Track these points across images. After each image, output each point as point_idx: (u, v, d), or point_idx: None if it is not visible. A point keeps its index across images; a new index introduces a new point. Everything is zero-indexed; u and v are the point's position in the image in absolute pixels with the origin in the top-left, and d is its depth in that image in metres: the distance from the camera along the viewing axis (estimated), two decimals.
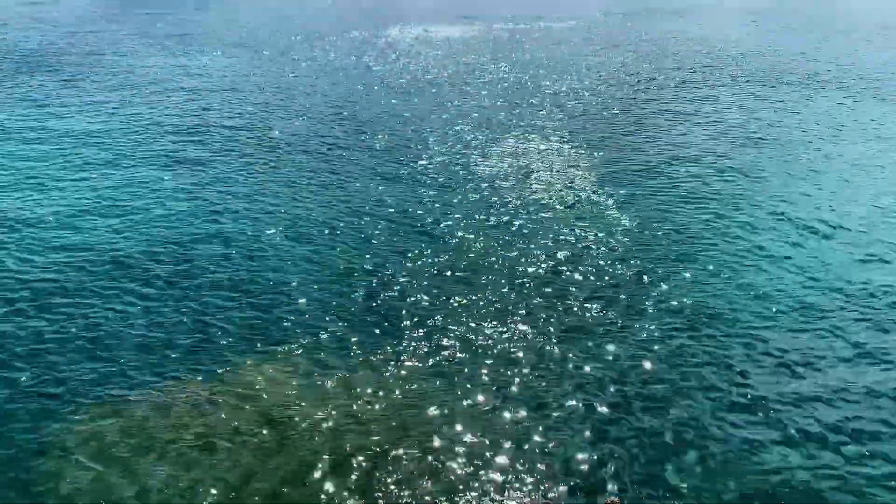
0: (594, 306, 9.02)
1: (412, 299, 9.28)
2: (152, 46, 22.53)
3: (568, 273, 9.53)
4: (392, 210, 10.83)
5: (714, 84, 20.30)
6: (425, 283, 9.60)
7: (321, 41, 23.44)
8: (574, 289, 9.38)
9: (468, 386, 8.04)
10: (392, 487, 6.84)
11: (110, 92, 16.18)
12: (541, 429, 7.50)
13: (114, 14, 27.32)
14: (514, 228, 10.86)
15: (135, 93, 16.67)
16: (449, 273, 9.55)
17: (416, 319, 8.87)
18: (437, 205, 11.30)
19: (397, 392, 7.94)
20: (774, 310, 9.18)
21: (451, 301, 9.21)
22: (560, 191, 11.65)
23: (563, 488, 6.79)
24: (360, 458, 7.12)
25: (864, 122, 17.27)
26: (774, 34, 28.56)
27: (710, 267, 10.19)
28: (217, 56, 21.27)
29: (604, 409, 7.76)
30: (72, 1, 31.50)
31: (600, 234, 10.45)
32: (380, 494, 6.80)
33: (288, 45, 23.41)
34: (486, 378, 8.22)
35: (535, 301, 9.20)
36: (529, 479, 6.93)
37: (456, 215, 10.64)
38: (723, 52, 24.65)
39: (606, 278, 9.62)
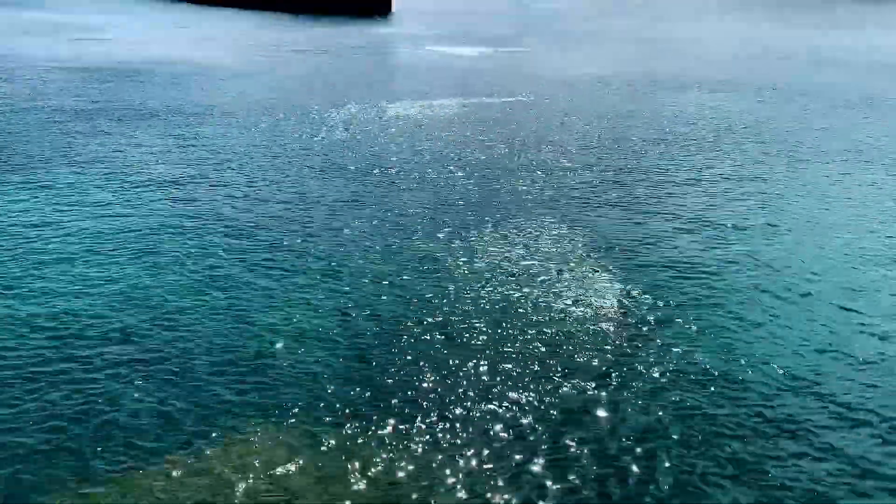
0: (589, 382, 9.01)
1: (406, 372, 9.32)
2: (122, 125, 21.63)
3: (565, 347, 9.52)
4: (383, 298, 10.81)
5: (714, 151, 20.47)
6: (420, 360, 9.61)
7: (307, 116, 23.06)
8: (571, 360, 9.37)
9: (462, 459, 8.05)
10: None
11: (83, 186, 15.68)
12: None
13: (69, 89, 27.02)
14: (507, 303, 10.87)
15: (110, 180, 15.99)
16: (444, 352, 9.53)
17: (410, 393, 8.89)
18: (429, 284, 11.30)
19: (393, 463, 7.97)
20: (778, 375, 9.18)
21: (446, 376, 9.22)
22: (558, 270, 11.70)
23: None
24: None
25: (863, 188, 17.33)
26: (769, 103, 28.81)
27: (713, 333, 10.18)
28: (192, 136, 20.44)
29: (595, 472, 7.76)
30: (17, 77, 30.92)
31: (599, 307, 10.45)
32: None
33: (273, 122, 22.82)
34: (482, 449, 8.22)
35: (530, 372, 9.20)
36: None
37: (449, 295, 10.62)
38: (714, 122, 24.81)
39: (603, 351, 9.60)
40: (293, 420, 8.42)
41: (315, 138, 21.03)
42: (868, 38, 68.03)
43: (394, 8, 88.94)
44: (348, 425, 8.35)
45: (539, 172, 17.92)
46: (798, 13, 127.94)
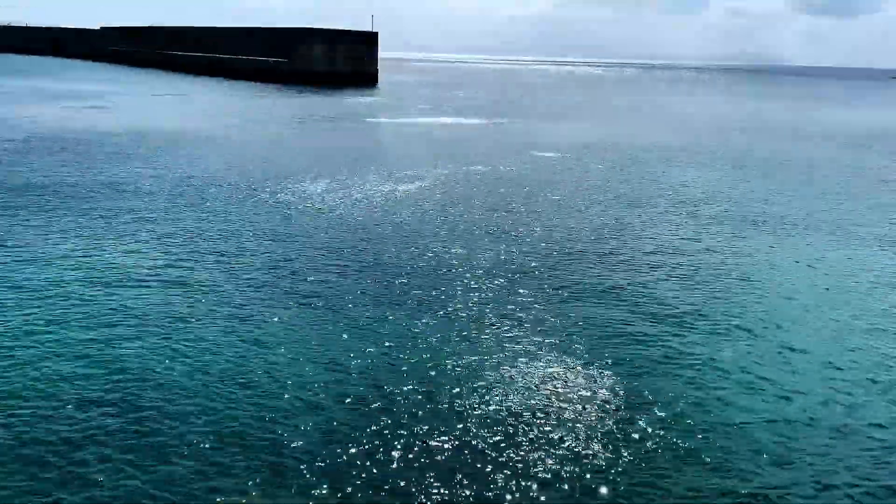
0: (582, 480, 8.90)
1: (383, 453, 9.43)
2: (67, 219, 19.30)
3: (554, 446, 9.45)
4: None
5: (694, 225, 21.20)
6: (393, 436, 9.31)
7: (277, 191, 23.05)
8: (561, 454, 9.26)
9: None
10: None
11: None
12: None
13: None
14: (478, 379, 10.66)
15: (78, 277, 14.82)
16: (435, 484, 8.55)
17: None
18: (415, 396, 10.47)
19: None
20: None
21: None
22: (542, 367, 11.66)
23: None
24: None
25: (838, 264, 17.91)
26: (746, 178, 30.09)
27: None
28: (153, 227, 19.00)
29: None
30: None
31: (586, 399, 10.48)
32: None
33: (241, 197, 22.29)
34: None
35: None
36: None
37: (434, 408, 10.01)
38: (695, 195, 25.70)
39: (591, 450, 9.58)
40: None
41: (303, 207, 21.74)
42: (814, 111, 71.22)
43: (379, 81, 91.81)
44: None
45: (513, 240, 18.74)
46: (752, 88, 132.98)
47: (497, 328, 12.80)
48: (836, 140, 45.68)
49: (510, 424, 9.61)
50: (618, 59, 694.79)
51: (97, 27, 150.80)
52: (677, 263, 17.29)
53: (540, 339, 12.37)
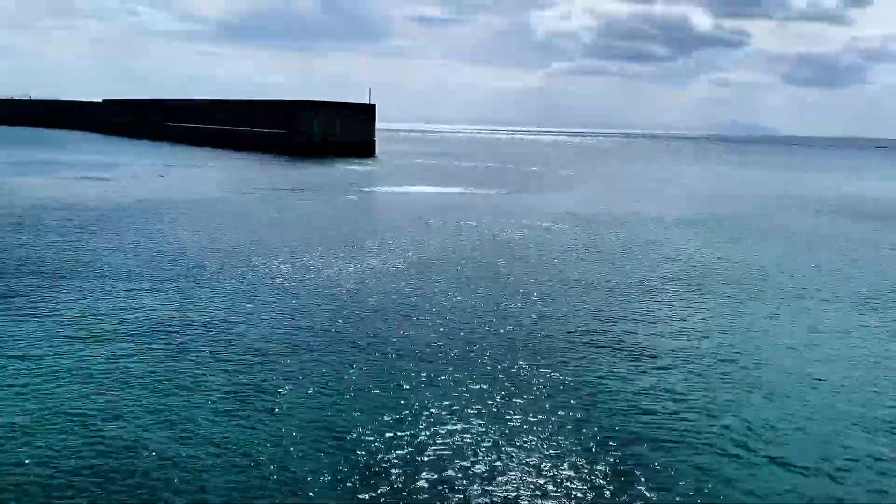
0: None
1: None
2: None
3: None
4: None
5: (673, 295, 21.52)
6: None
7: (271, 262, 22.99)
8: None
9: None
10: None
11: None
12: None
13: None
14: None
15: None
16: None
17: None
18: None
19: None
20: None
21: None
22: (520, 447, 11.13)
23: None
24: None
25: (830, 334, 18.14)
26: (722, 244, 30.59)
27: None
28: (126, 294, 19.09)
29: None
30: None
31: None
32: None
33: (235, 269, 22.05)
34: None
35: None
36: None
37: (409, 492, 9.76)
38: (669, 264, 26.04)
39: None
40: None
41: (295, 279, 21.94)
42: (804, 180, 72.62)
43: (377, 151, 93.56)
44: None
45: (504, 313, 19.00)
46: (734, 157, 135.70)
47: (490, 403, 12.83)
48: (829, 208, 46.49)
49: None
50: (609, 130, 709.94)
51: (99, 100, 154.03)
52: (676, 339, 17.46)
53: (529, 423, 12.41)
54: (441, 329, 16.71)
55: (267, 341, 15.54)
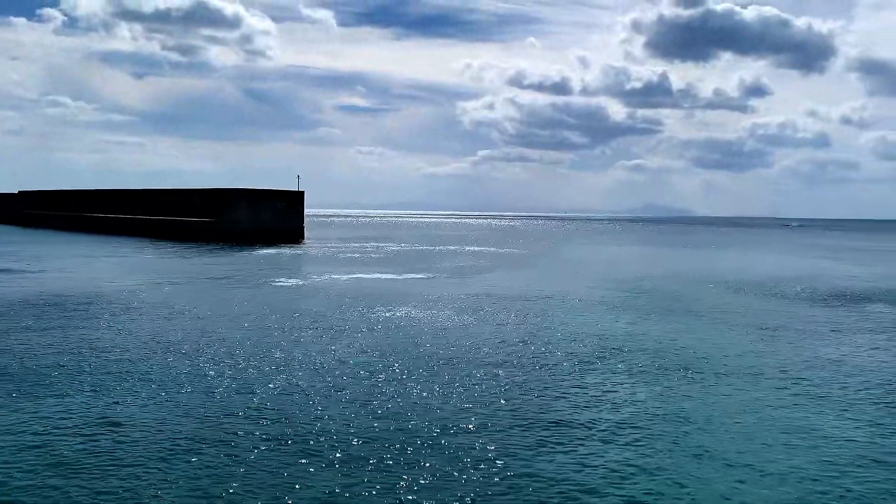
0: None
1: None
2: None
3: None
4: None
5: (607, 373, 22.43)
6: None
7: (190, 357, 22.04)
8: None
9: None
10: None
11: None
12: None
13: None
14: None
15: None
16: None
17: None
18: None
19: None
20: None
21: None
22: None
23: None
24: None
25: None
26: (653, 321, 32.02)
27: None
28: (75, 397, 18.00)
29: None
30: None
31: None
32: None
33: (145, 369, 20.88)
34: None
35: None
36: None
37: None
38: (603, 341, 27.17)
39: None
40: None
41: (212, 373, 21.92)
42: (741, 258, 76.64)
43: (305, 237, 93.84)
44: None
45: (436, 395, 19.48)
46: (678, 238, 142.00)
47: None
48: (742, 283, 49.06)
49: None
50: (534, 213, 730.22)
51: (15, 192, 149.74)
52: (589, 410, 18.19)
53: None
54: (366, 415, 17.01)
55: (185, 439, 15.52)
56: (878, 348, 25.84)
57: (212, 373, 20.24)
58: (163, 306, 32.81)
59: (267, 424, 15.78)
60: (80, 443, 14.57)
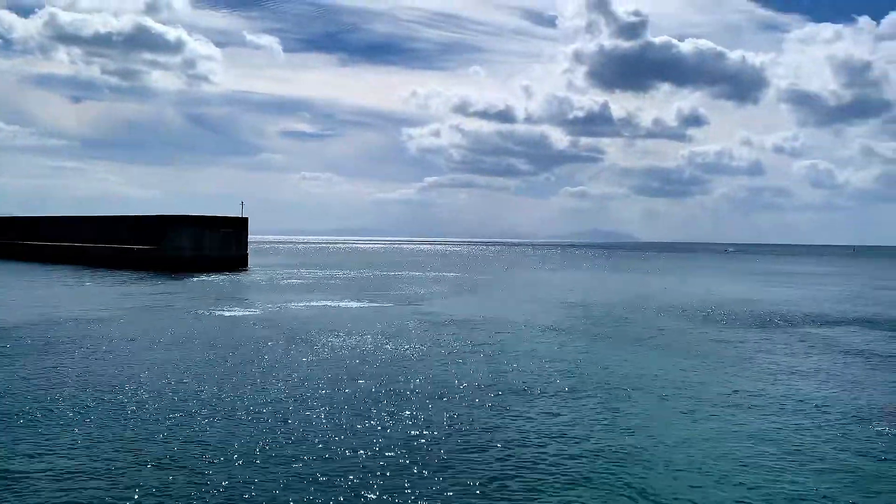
0: None
1: None
2: None
3: None
4: None
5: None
6: None
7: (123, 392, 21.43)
8: None
9: None
10: None
11: None
12: None
13: None
14: None
15: None
16: None
17: None
18: None
19: None
20: None
21: None
22: None
23: None
24: None
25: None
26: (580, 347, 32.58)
27: None
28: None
29: None
30: None
31: None
32: None
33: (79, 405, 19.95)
34: None
35: None
36: None
37: None
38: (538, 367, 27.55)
39: None
40: None
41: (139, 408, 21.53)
42: (680, 282, 78.69)
43: (249, 264, 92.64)
44: None
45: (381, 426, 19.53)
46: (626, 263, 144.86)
47: None
48: (684, 309, 50.39)
49: None
50: (480, 238, 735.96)
51: None
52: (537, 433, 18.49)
53: None
54: (315, 445, 16.97)
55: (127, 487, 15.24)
56: (802, 370, 26.91)
57: (151, 407, 19.84)
58: (98, 339, 31.80)
59: (206, 462, 15.57)
60: None
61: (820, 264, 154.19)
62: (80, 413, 19.22)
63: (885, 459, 16.33)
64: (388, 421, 18.76)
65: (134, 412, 19.27)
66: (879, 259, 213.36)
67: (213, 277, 73.39)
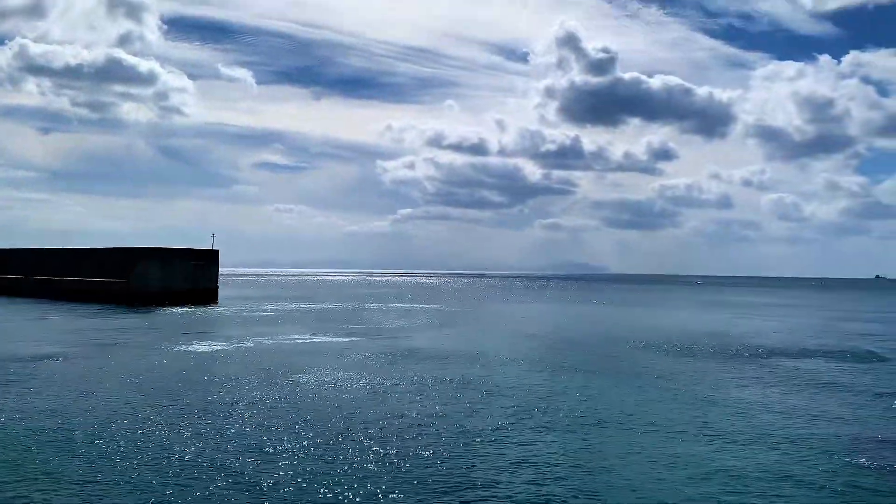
0: None
1: None
2: None
3: None
4: None
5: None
6: None
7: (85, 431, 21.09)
8: None
9: None
10: None
11: None
12: None
13: None
14: None
15: None
16: None
17: None
18: None
19: None
20: None
21: None
22: None
23: None
24: None
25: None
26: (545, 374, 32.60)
27: None
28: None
29: None
30: None
31: None
32: None
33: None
34: None
35: None
36: None
37: None
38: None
39: None
40: None
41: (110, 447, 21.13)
42: (655, 315, 79.36)
43: (220, 297, 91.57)
44: None
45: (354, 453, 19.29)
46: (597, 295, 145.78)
47: None
48: (648, 340, 50.70)
49: None
50: (455, 270, 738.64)
51: None
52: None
53: None
54: (291, 479, 16.69)
55: None
56: (770, 403, 27.13)
57: (119, 446, 19.38)
58: (63, 376, 31.10)
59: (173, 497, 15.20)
60: None
61: (785, 297, 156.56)
62: (41, 454, 18.71)
63: (853, 487, 16.46)
64: (355, 459, 18.50)
65: (72, 452, 18.78)
66: (844, 291, 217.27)
67: (181, 311, 72.35)
